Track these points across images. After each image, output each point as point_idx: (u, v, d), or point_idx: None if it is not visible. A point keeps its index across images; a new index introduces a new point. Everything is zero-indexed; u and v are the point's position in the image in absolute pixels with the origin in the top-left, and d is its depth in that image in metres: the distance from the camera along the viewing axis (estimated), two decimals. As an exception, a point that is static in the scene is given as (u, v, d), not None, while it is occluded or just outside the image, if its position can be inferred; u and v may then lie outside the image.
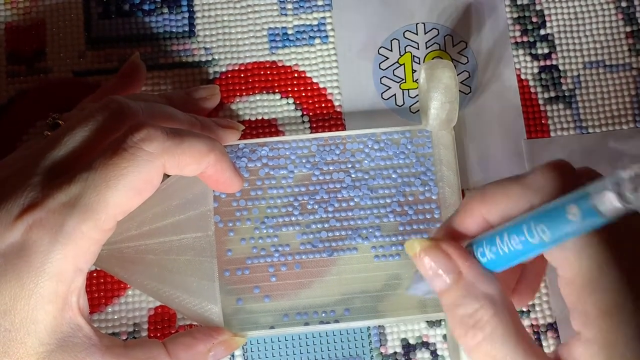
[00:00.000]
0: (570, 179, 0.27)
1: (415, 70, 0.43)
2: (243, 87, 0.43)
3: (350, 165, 0.40)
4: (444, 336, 0.40)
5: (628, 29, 0.44)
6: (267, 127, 0.42)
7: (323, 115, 0.42)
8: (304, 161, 0.40)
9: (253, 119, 0.42)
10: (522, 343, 0.27)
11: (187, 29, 0.43)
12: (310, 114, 0.42)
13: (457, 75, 0.42)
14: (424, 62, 0.43)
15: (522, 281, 0.32)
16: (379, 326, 0.40)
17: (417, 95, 0.43)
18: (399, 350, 0.39)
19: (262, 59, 0.43)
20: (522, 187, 0.27)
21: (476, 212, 0.28)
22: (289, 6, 0.44)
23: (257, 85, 0.43)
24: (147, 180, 0.31)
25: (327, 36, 0.43)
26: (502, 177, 0.41)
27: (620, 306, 0.25)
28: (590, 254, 0.26)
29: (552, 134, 0.42)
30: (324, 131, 0.42)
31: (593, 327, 0.25)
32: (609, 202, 0.23)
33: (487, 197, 0.28)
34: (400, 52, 0.43)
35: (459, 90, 0.42)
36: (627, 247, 0.26)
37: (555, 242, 0.26)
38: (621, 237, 0.26)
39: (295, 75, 0.43)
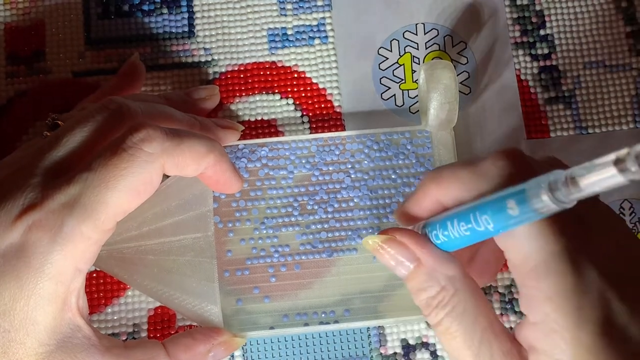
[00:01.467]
0: (521, 168, 0.27)
1: (415, 71, 0.43)
2: (243, 88, 0.43)
3: (349, 166, 0.40)
4: (444, 337, 0.40)
5: (628, 29, 0.44)
6: (267, 128, 0.42)
7: (323, 115, 0.42)
8: (303, 162, 0.40)
9: (253, 119, 0.42)
10: (480, 320, 0.28)
11: (186, 29, 0.43)
12: (310, 114, 0.42)
13: (457, 75, 0.42)
14: (423, 62, 0.43)
15: (481, 262, 0.33)
16: (379, 327, 0.40)
17: (417, 95, 0.43)
18: (398, 350, 0.39)
19: (261, 60, 0.43)
20: (473, 174, 0.28)
21: (431, 194, 0.30)
22: (289, 6, 0.44)
23: (256, 86, 0.43)
24: (147, 180, 0.31)
25: (326, 36, 0.43)
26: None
27: (563, 294, 0.26)
28: (536, 242, 0.26)
29: (552, 134, 0.42)
30: (323, 132, 0.42)
31: (537, 311, 0.26)
32: (543, 201, 0.24)
33: (441, 181, 0.29)
34: (400, 53, 0.43)
35: (459, 91, 0.42)
36: (575, 235, 0.26)
37: (500, 231, 0.26)
38: (569, 227, 0.26)
39: (295, 75, 0.43)
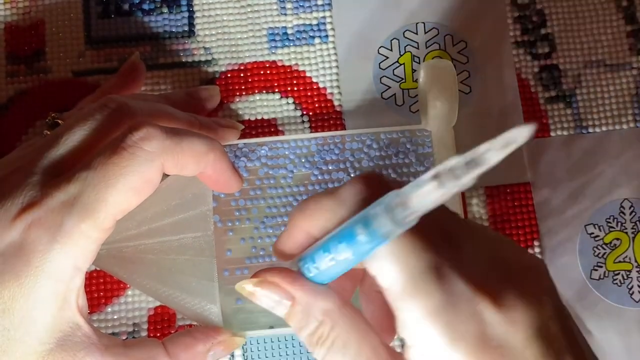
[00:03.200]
0: (377, 191, 0.26)
1: (415, 70, 0.43)
2: (243, 87, 0.43)
3: (349, 165, 0.40)
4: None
5: (628, 28, 0.44)
6: (267, 127, 0.42)
7: (323, 115, 0.42)
8: (303, 161, 0.40)
9: (253, 118, 0.42)
10: (364, 350, 0.27)
11: (186, 28, 0.43)
12: (310, 113, 0.42)
13: (457, 74, 0.42)
14: (424, 61, 0.43)
15: (384, 317, 0.30)
16: (379, 326, 0.39)
17: (417, 94, 0.43)
18: (398, 350, 0.39)
19: (261, 59, 0.43)
20: (333, 202, 0.27)
21: (300, 227, 0.28)
22: (289, 5, 0.44)
23: (256, 85, 0.43)
24: (147, 179, 0.31)
25: (327, 36, 0.43)
26: (502, 178, 0.41)
27: (432, 312, 0.25)
28: (399, 263, 0.25)
29: (552, 133, 0.42)
30: (323, 131, 0.42)
31: (412, 334, 0.25)
32: (384, 224, 0.24)
33: (307, 213, 0.28)
34: (400, 52, 0.43)
35: (459, 90, 0.42)
36: (440, 250, 0.26)
37: (360, 258, 0.26)
38: (433, 242, 0.26)
39: (295, 74, 0.43)
